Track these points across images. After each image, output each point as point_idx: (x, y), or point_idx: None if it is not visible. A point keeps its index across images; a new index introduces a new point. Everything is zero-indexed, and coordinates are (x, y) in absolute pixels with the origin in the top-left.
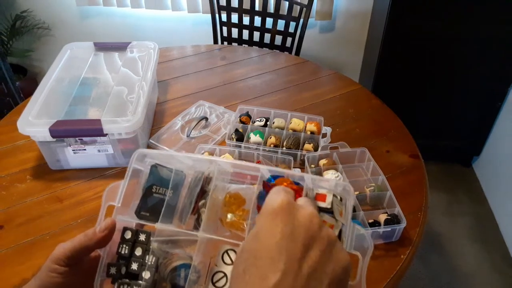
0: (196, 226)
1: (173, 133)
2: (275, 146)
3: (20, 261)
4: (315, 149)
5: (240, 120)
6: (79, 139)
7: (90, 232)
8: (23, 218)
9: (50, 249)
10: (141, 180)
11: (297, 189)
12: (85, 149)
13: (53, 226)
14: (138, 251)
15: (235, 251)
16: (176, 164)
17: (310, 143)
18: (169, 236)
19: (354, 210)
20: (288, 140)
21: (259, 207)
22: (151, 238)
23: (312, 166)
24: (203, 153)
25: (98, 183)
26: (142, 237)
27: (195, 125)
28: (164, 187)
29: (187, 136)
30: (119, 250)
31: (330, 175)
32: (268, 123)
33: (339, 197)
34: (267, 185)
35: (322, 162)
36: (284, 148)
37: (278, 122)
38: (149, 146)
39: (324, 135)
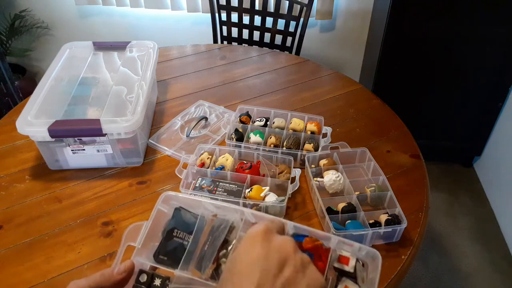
0: (214, 276)
1: (173, 133)
2: (275, 146)
3: (19, 261)
4: (316, 149)
5: (240, 120)
6: (78, 139)
7: (107, 272)
8: (22, 218)
9: (49, 249)
10: (161, 222)
11: (324, 250)
12: (84, 149)
13: (52, 226)
14: None
15: None
16: (198, 209)
17: (310, 143)
18: (186, 284)
19: (355, 210)
20: (288, 140)
21: None
22: (169, 284)
23: (313, 166)
24: (202, 153)
25: (97, 183)
26: (157, 282)
27: (195, 125)
28: (185, 232)
29: (186, 136)
30: None
31: (330, 175)
32: (268, 123)
33: (361, 262)
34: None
35: (323, 162)
36: (284, 148)
37: (278, 122)
38: (148, 146)
39: (325, 135)
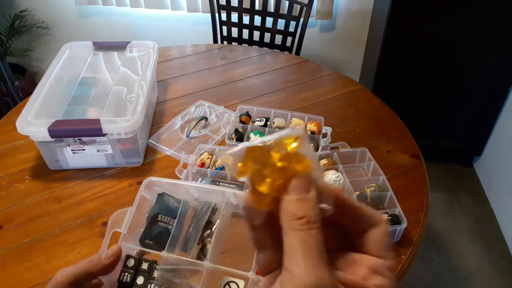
0: (200, 256)
1: (173, 133)
2: None
3: (19, 261)
4: (316, 149)
5: (240, 120)
6: (78, 139)
7: (95, 258)
8: (22, 218)
9: (49, 249)
10: (146, 208)
11: None
12: (84, 149)
13: (52, 226)
14: (140, 280)
15: (236, 283)
16: (181, 194)
17: (310, 143)
18: (174, 265)
19: None
20: None
21: None
22: (156, 266)
23: None
24: (202, 153)
25: (97, 183)
26: (145, 266)
27: (195, 125)
28: (169, 216)
29: (186, 136)
30: (121, 278)
31: (330, 175)
32: (268, 123)
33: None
34: None
35: (323, 162)
36: None
37: (278, 122)
38: (148, 146)
39: (325, 135)
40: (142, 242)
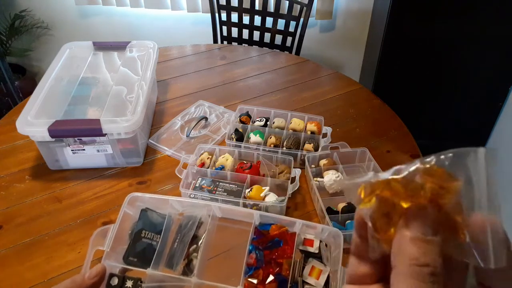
0: (186, 272)
1: (173, 133)
2: (275, 146)
3: (19, 261)
4: (316, 149)
5: (240, 120)
6: (78, 139)
7: (78, 278)
8: (22, 218)
9: (49, 249)
10: (128, 225)
11: (290, 235)
12: (84, 149)
13: (52, 226)
14: None
15: None
16: (164, 209)
17: (310, 143)
18: (160, 282)
19: (355, 210)
20: (288, 140)
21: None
22: (142, 284)
23: (313, 166)
24: (202, 153)
25: (97, 183)
26: (129, 284)
27: (195, 125)
28: (153, 232)
29: (186, 136)
30: None
31: (330, 175)
32: (268, 123)
33: (324, 243)
34: (259, 232)
35: (323, 162)
36: (284, 148)
37: (278, 122)
38: (148, 146)
39: (325, 135)
40: (125, 259)
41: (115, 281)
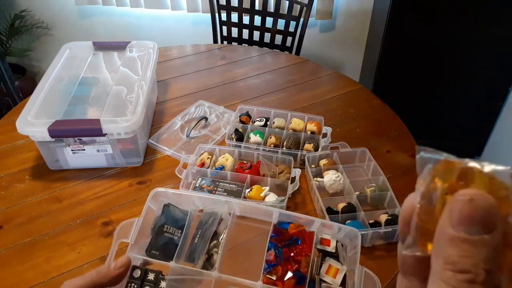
0: (206, 266)
1: (173, 133)
2: (275, 146)
3: (19, 261)
4: (316, 149)
5: (240, 120)
6: (78, 139)
7: (103, 269)
8: (22, 218)
9: (49, 249)
10: (151, 219)
11: (308, 234)
12: (84, 149)
13: (52, 226)
14: None
15: None
16: (185, 205)
17: (310, 143)
18: (182, 275)
19: (355, 210)
20: (288, 140)
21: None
22: (165, 277)
23: (313, 166)
24: (202, 153)
25: (98, 183)
26: (151, 276)
27: (195, 125)
28: (175, 227)
29: (186, 136)
30: None
31: (330, 175)
32: (268, 123)
33: (341, 243)
34: (278, 230)
35: (323, 162)
36: (284, 148)
37: (278, 122)
38: (148, 146)
39: (325, 135)
40: (148, 252)
41: (138, 273)
